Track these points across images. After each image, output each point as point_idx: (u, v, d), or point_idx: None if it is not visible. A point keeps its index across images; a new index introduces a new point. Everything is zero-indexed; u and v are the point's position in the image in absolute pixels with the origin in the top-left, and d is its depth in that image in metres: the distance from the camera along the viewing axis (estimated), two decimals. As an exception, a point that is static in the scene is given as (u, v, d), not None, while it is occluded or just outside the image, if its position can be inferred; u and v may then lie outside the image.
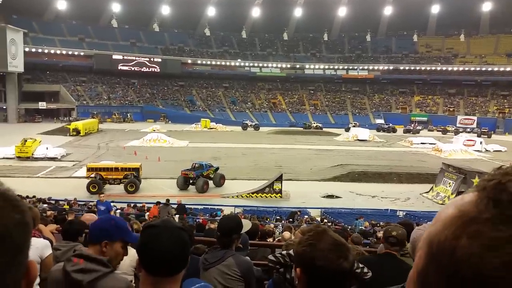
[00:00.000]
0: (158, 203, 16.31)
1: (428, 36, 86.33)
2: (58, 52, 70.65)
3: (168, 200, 16.34)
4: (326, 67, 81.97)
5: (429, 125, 68.54)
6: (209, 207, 21.40)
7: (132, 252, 3.69)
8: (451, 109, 75.02)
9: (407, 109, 76.82)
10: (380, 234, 9.94)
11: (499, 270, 0.45)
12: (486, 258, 0.46)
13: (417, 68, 79.94)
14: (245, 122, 62.56)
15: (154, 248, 1.43)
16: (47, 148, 33.51)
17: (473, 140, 46.95)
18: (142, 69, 75.77)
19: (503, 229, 0.47)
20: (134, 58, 75.29)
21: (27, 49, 65.42)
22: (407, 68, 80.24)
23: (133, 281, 3.24)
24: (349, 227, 14.01)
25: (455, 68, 78.45)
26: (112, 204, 19.09)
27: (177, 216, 15.41)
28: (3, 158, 31.75)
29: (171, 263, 1.42)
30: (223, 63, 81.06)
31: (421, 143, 46.92)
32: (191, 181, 25.48)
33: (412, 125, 65.72)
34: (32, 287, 0.57)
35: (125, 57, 74.51)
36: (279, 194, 24.59)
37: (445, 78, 78.81)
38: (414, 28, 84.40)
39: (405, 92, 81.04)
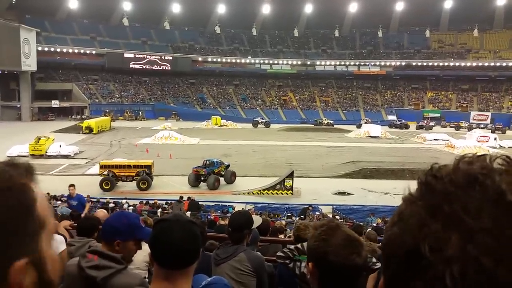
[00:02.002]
0: (181, 197, 16.82)
1: (441, 32, 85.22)
2: (70, 51, 71.37)
3: (181, 197, 16.53)
4: (337, 63, 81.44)
5: (442, 121, 67.72)
6: (221, 203, 21.44)
7: (145, 248, 3.72)
8: (464, 105, 74.03)
9: (420, 105, 76.00)
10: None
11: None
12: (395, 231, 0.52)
13: (430, 64, 79.02)
14: (256, 119, 62.50)
15: (166, 241, 1.44)
16: (60, 146, 33.91)
17: (487, 136, 46.30)
18: (153, 67, 76.17)
19: (417, 205, 0.51)
20: (145, 56, 75.72)
21: (40, 48, 66.16)
22: (419, 64, 79.36)
23: (146, 276, 3.27)
24: (361, 224, 13.93)
25: (469, 64, 77.30)
26: (124, 201, 19.26)
27: (189, 212, 15.53)
28: (18, 156, 32.10)
29: (182, 256, 1.43)
30: (233, 60, 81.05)
31: (434, 139, 46.44)
32: (202, 178, 25.58)
33: (425, 121, 65.02)
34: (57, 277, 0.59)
35: (136, 56, 74.98)
36: (290, 191, 24.57)
37: (458, 73, 77.69)
38: (427, 24, 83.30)
39: (418, 88, 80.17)
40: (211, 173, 25.44)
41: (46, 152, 32.96)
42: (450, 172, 0.50)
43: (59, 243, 3.25)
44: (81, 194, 9.49)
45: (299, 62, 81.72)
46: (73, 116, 63.56)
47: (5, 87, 61.62)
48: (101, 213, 5.13)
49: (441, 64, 78.61)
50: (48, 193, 17.63)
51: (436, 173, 0.51)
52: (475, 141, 42.77)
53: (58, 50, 70.43)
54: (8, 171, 0.57)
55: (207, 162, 26.25)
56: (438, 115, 70.87)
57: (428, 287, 0.46)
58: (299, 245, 2.56)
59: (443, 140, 45.51)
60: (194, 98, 75.78)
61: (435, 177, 0.51)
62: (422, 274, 0.46)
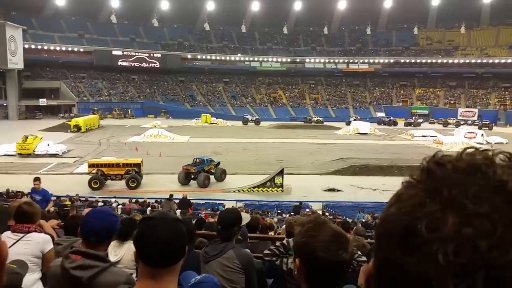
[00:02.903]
0: (171, 196, 16.96)
1: (429, 29, 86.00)
2: (58, 48, 70.43)
3: (171, 195, 16.54)
4: (327, 60, 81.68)
5: (430, 118, 68.37)
6: (211, 201, 21.44)
7: (133, 247, 3.69)
8: (452, 102, 74.80)
9: (408, 102, 76.64)
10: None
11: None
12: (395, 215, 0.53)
13: (418, 61, 79.63)
14: (246, 116, 62.48)
15: (151, 239, 1.43)
16: (48, 145, 33.55)
17: (474, 133, 46.87)
18: (142, 65, 75.61)
19: (415, 189, 0.52)
20: (134, 53, 75.10)
21: (26, 46, 65.16)
22: (407, 61, 79.91)
23: (134, 275, 3.25)
24: (351, 220, 14.03)
25: (456, 61, 78.11)
26: (113, 199, 19.12)
27: (179, 210, 15.52)
28: (5, 155, 31.82)
29: (168, 253, 1.42)
30: (223, 58, 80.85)
31: (422, 136, 46.84)
32: (192, 176, 25.53)
33: (413, 118, 65.56)
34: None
35: (125, 53, 74.33)
36: (280, 188, 24.62)
37: (446, 70, 78.51)
38: (415, 21, 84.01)
39: (406, 85, 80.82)
40: (201, 171, 25.38)
41: (34, 151, 32.62)
42: (453, 160, 0.52)
43: (46, 242, 3.23)
44: (47, 190, 9.17)
45: (289, 60, 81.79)
46: (61, 115, 62.84)
47: (-9, 86, 60.77)
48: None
49: (429, 61, 79.30)
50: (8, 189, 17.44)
51: (439, 160, 0.53)
52: (463, 138, 43.25)
53: (46, 47, 69.42)
54: None
55: (197, 160, 26.18)
56: (426, 111, 71.53)
57: (420, 263, 0.47)
58: (284, 241, 2.57)
59: (431, 136, 45.93)
60: (184, 96, 75.45)
61: (437, 163, 0.52)
62: (416, 252, 0.48)
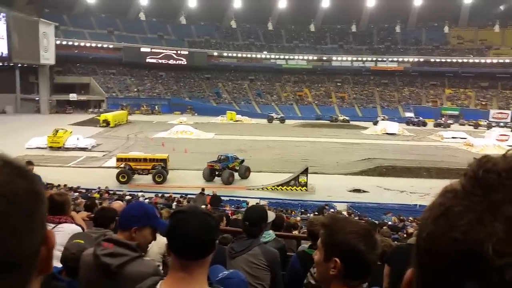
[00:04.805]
0: (203, 190, 17.78)
1: (460, 27, 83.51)
2: (88, 44, 72.19)
3: (203, 190, 16.87)
4: (354, 58, 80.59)
5: (461, 119, 66.46)
6: (235, 198, 21.52)
7: (160, 240, 3.74)
8: (483, 103, 72.59)
9: (438, 102, 74.82)
10: (411, 230, 9.77)
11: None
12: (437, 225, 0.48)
13: (448, 60, 77.63)
14: (271, 114, 62.39)
15: (182, 232, 1.47)
16: (78, 139, 34.44)
17: (507, 135, 45.34)
18: (170, 62, 76.59)
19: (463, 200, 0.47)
20: (161, 50, 76.18)
21: (58, 42, 67.08)
22: (437, 60, 78.05)
23: (161, 268, 3.29)
24: (377, 222, 13.81)
25: (489, 60, 75.74)
26: (140, 193, 19.45)
27: (210, 207, 15.69)
28: (36, 148, 32.76)
29: (198, 246, 1.46)
30: (248, 55, 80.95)
31: (452, 138, 45.67)
32: (216, 173, 25.68)
33: (443, 118, 63.97)
34: (51, 253, 0.61)
35: (153, 50, 75.48)
36: (304, 187, 24.49)
37: (477, 70, 76.16)
38: (445, 19, 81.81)
39: (436, 85, 78.91)
40: (225, 168, 25.50)
41: (64, 145, 33.48)
42: (505, 168, 0.46)
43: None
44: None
45: (315, 57, 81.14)
46: (90, 110, 64.37)
47: (25, 80, 62.69)
48: (117, 204, 5.20)
49: (460, 60, 77.13)
50: (65, 185, 17.94)
51: (491, 167, 0.47)
52: (494, 140, 41.90)
53: (76, 44, 71.31)
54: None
55: (222, 157, 26.31)
56: (456, 112, 69.65)
57: None
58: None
59: (461, 138, 44.73)
60: (209, 93, 76.01)
61: (489, 171, 0.47)
62: (479, 277, 0.43)
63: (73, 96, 65.27)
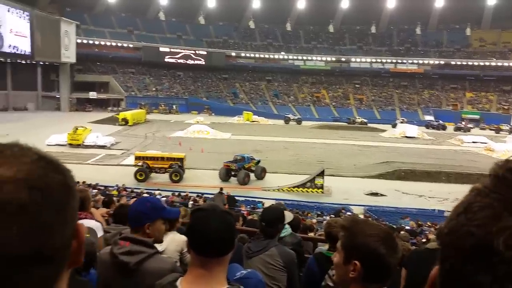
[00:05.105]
0: (221, 189, 18.14)
1: (483, 30, 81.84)
2: (108, 43, 73.23)
3: (221, 189, 17.31)
4: (373, 60, 79.75)
5: (481, 123, 65.11)
6: (250, 199, 21.52)
7: (177, 237, 3.76)
8: (505, 107, 70.92)
9: (458, 106, 73.50)
10: (431, 235, 9.61)
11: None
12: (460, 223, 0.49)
13: (470, 63, 76.19)
14: (287, 115, 62.23)
15: (203, 229, 1.49)
16: (97, 137, 34.92)
17: (530, 140, 44.29)
18: (188, 62, 77.17)
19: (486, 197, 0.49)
20: (180, 50, 76.80)
21: (79, 41, 68.27)
22: (459, 63, 76.67)
23: (178, 264, 3.31)
24: (394, 226, 13.63)
25: (512, 64, 74.12)
26: (157, 192, 19.63)
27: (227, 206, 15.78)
28: (56, 145, 33.32)
29: (218, 244, 1.48)
30: (266, 56, 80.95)
31: (472, 142, 44.75)
32: (232, 173, 25.71)
33: (463, 122, 62.76)
34: (82, 247, 0.63)
35: (171, 50, 76.16)
36: (320, 190, 24.33)
37: (500, 74, 74.48)
38: (468, 21, 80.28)
39: (457, 88, 77.52)
40: (241, 168, 25.53)
41: (83, 142, 33.99)
42: None
43: (97, 230, 3.33)
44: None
45: (334, 59, 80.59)
46: (109, 108, 65.29)
47: (46, 78, 64.06)
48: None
49: (482, 63, 75.63)
50: (84, 182, 18.21)
51: None
52: (517, 145, 40.95)
53: (97, 42, 72.43)
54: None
55: (238, 157, 26.35)
56: (477, 116, 68.31)
57: (496, 282, 0.44)
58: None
59: (481, 143, 43.79)
60: (227, 93, 76.28)
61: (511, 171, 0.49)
62: (491, 270, 0.44)
63: (93, 95, 66.33)
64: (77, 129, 34.69)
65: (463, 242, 0.48)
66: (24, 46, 55.91)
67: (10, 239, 0.51)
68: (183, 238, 3.74)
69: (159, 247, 3.53)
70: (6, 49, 52.91)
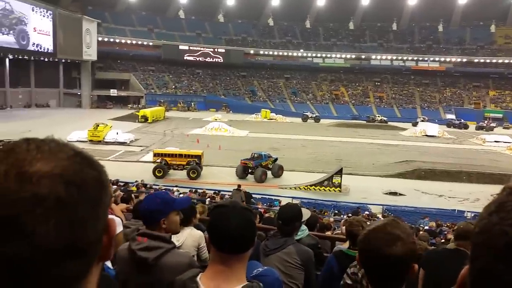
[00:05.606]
0: (239, 186, 18.12)
1: (508, 26, 79.65)
2: (129, 42, 74.14)
3: (239, 186, 17.48)
4: (394, 57, 78.52)
5: (505, 122, 63.53)
6: (267, 196, 21.52)
7: (194, 233, 3.79)
8: (530, 106, 69.14)
9: (481, 104, 71.81)
10: (450, 235, 9.45)
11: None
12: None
13: (494, 61, 74.27)
14: (306, 113, 61.93)
15: (223, 226, 1.50)
16: (117, 133, 35.45)
17: (555, 140, 43.01)
18: (207, 59, 77.51)
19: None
20: (199, 48, 77.19)
21: (100, 39, 69.30)
22: (482, 60, 74.87)
23: (195, 258, 3.35)
24: (413, 226, 13.44)
25: (538, 61, 71.96)
26: (175, 188, 19.82)
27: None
28: (77, 141, 33.84)
29: (239, 240, 1.49)
30: (285, 53, 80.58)
31: (495, 141, 43.75)
32: (250, 171, 25.78)
33: (486, 121, 61.35)
34: (112, 242, 0.64)
35: (190, 48, 76.63)
36: (338, 188, 24.14)
37: (525, 72, 72.58)
38: (492, 18, 78.21)
39: (479, 86, 75.79)
40: (258, 166, 25.55)
41: (103, 139, 34.57)
42: None
43: (118, 225, 3.38)
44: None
45: (353, 56, 79.71)
46: (130, 105, 66.14)
47: (67, 75, 65.33)
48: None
49: (506, 61, 73.67)
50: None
51: None
52: (542, 145, 39.86)
53: (117, 41, 73.38)
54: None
55: (255, 155, 26.38)
56: (500, 115, 66.66)
57: None
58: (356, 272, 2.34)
59: (504, 142, 42.79)
60: (245, 91, 76.34)
61: None
62: None
63: (113, 92, 67.31)
64: (98, 125, 35.28)
65: (495, 241, 0.47)
66: (47, 44, 57.12)
67: (47, 233, 0.52)
68: (200, 233, 3.78)
69: (176, 242, 3.58)
70: (30, 47, 54.16)
